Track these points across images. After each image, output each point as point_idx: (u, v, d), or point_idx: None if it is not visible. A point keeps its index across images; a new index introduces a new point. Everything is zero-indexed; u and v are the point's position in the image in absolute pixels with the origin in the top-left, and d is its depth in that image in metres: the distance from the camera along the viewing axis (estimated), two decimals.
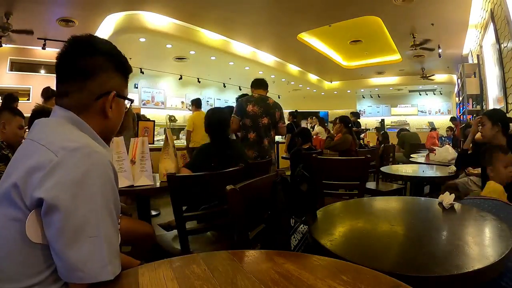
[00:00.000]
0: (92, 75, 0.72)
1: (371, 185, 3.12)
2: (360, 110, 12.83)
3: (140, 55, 6.63)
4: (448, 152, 3.18)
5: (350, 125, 4.12)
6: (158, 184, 1.84)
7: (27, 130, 1.66)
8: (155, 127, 4.40)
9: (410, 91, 11.85)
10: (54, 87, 5.12)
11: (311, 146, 4.02)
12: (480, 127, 2.10)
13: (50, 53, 6.39)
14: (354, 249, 0.93)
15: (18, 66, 6.29)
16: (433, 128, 8.75)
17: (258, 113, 2.89)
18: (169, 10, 5.13)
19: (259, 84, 3.21)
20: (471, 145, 2.36)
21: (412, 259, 0.83)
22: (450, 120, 8.37)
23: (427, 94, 11.79)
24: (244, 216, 0.96)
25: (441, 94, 11.71)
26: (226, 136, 2.08)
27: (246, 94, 3.90)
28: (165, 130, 2.11)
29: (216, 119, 2.03)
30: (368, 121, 12.08)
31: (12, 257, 0.60)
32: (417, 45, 6.14)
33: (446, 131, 7.59)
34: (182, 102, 8.75)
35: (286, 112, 13.03)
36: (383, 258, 0.85)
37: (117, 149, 1.75)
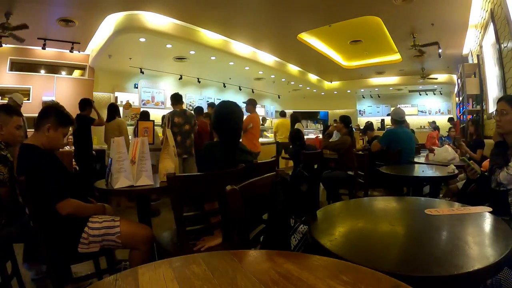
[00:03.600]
0: None
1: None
2: (360, 110, 12.85)
3: (140, 55, 6.64)
4: (447, 152, 3.18)
5: (350, 125, 4.13)
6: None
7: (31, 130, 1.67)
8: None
9: (410, 91, 11.85)
10: (53, 87, 5.17)
11: (303, 144, 4.05)
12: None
13: (50, 53, 6.39)
14: (354, 249, 0.92)
15: (18, 66, 6.29)
16: (433, 128, 8.75)
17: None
18: (169, 10, 5.13)
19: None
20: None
21: (412, 259, 0.83)
22: (448, 121, 8.36)
23: (427, 94, 11.79)
24: (244, 216, 0.96)
25: (441, 94, 11.71)
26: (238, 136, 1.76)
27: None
28: (164, 130, 2.11)
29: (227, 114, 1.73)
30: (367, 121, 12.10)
31: None
32: (417, 45, 6.14)
33: (451, 131, 7.56)
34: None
35: (287, 111, 12.93)
36: (383, 258, 0.85)
37: (118, 149, 1.75)
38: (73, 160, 4.43)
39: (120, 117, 4.36)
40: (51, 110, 1.68)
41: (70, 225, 1.52)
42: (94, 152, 4.53)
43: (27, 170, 1.47)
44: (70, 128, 1.82)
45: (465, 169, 1.88)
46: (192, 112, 4.83)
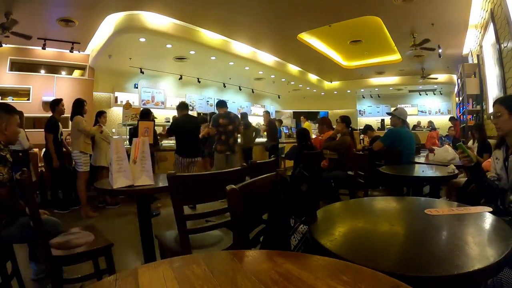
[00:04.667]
0: None
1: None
2: (360, 110, 12.85)
3: (140, 55, 6.64)
4: (447, 152, 3.18)
5: (350, 126, 4.13)
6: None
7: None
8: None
9: (410, 91, 11.85)
10: (53, 87, 5.16)
11: (309, 145, 4.05)
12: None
13: (50, 53, 6.40)
14: (354, 249, 0.92)
15: (18, 66, 6.29)
16: (433, 128, 8.75)
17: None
18: (169, 10, 5.13)
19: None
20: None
21: (412, 259, 0.83)
22: (449, 120, 8.34)
23: (427, 94, 11.79)
24: (244, 216, 0.96)
25: (441, 94, 11.71)
26: None
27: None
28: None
29: None
30: (368, 121, 12.10)
31: None
32: (417, 45, 6.14)
33: (450, 130, 7.56)
34: None
35: (287, 111, 12.88)
36: (383, 258, 0.85)
37: (116, 150, 1.75)
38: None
39: (82, 115, 3.98)
40: None
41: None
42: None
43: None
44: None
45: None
46: (237, 114, 5.53)
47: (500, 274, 1.00)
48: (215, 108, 5.10)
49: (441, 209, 1.22)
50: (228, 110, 4.76)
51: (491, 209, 1.16)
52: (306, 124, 8.71)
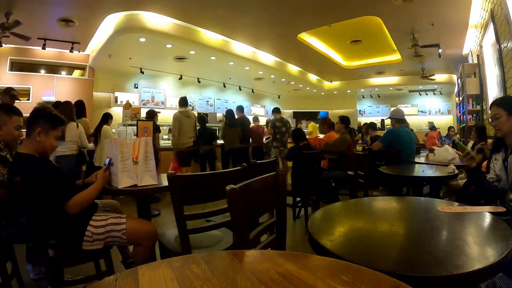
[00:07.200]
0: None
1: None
2: (360, 110, 12.85)
3: (140, 55, 6.64)
4: (447, 152, 3.17)
5: (350, 126, 4.14)
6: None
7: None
8: None
9: (410, 91, 11.85)
10: (53, 87, 5.14)
11: (308, 145, 4.05)
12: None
13: (50, 53, 6.40)
14: (354, 249, 0.92)
15: (18, 66, 6.30)
16: (433, 128, 8.73)
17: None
18: (169, 10, 5.13)
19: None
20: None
21: (412, 259, 0.83)
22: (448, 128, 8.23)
23: (427, 94, 11.79)
24: (244, 216, 0.96)
25: (441, 94, 11.71)
26: None
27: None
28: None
29: None
30: (367, 121, 12.08)
31: None
32: (417, 45, 6.13)
33: (451, 131, 7.54)
34: None
35: (287, 111, 12.86)
36: (383, 258, 0.84)
37: (121, 149, 1.75)
38: None
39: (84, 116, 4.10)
40: (40, 114, 1.61)
41: (74, 223, 1.52)
42: None
43: (23, 180, 1.45)
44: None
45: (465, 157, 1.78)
46: (288, 119, 7.26)
47: (494, 278, 1.00)
48: (272, 113, 6.71)
49: (454, 207, 1.22)
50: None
51: (504, 209, 1.15)
52: (311, 125, 8.72)
